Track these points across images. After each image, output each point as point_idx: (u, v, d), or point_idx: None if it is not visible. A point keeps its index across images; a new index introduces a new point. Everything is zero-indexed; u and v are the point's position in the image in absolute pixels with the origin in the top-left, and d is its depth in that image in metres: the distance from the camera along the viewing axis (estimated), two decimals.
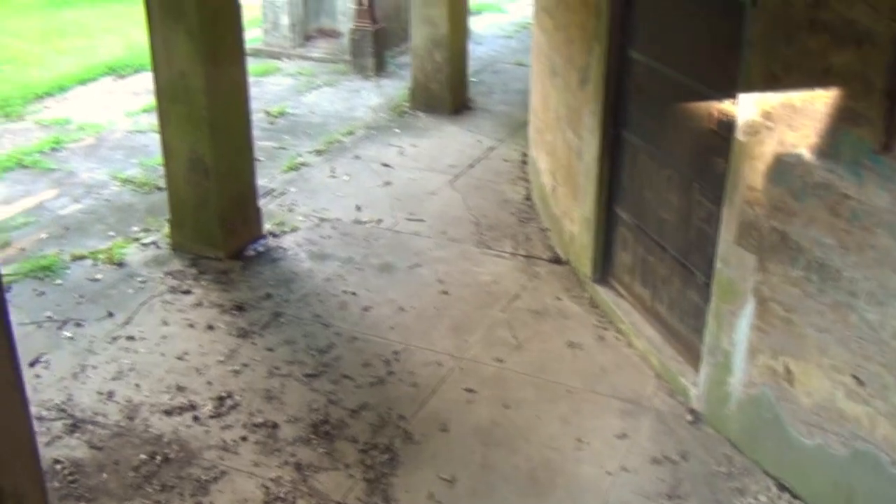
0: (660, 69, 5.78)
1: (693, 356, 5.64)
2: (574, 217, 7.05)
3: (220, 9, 6.87)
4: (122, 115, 10.89)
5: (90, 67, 12.72)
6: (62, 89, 11.88)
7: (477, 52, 13.68)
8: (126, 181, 8.90)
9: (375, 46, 12.69)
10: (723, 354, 5.21)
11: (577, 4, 6.76)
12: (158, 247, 7.52)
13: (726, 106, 5.03)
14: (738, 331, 5.06)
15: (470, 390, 5.78)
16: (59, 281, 6.99)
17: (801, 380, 4.71)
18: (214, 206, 7.21)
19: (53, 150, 9.71)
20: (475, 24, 15.31)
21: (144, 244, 7.58)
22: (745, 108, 4.73)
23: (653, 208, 6.03)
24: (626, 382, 5.86)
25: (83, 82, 12.22)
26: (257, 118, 10.57)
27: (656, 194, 5.96)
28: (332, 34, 13.86)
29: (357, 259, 7.42)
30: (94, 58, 13.24)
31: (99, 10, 16.85)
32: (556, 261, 7.40)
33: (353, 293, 6.90)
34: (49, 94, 11.65)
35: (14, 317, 6.33)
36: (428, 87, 11.16)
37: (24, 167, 9.22)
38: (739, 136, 4.79)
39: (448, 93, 11.08)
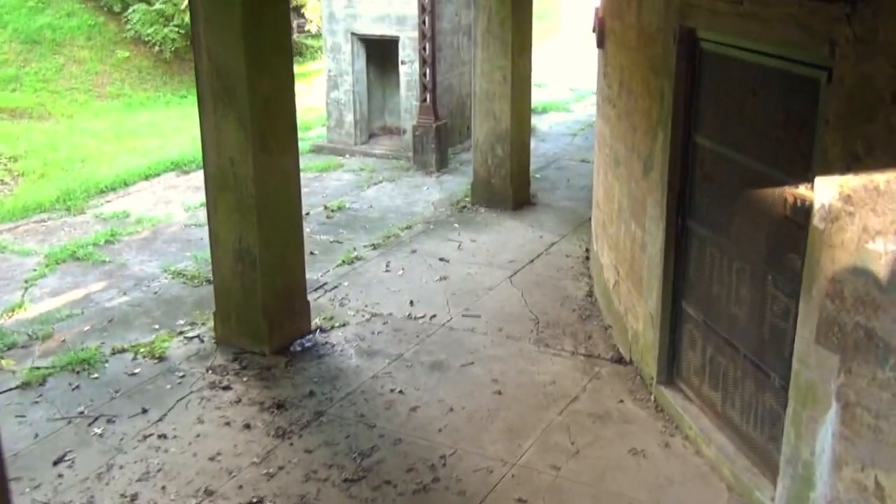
0: (727, 154, 5.46)
1: (769, 467, 5.15)
2: (638, 314, 6.62)
3: (271, 96, 6.75)
4: (180, 209, 10.94)
5: (154, 163, 12.92)
6: (125, 184, 12.05)
7: (541, 150, 13.57)
8: (177, 274, 8.78)
9: (437, 142, 12.60)
10: (803, 466, 4.70)
11: (640, 91, 6.50)
12: (202, 340, 7.29)
13: (801, 191, 4.66)
14: (820, 440, 4.56)
15: (522, 501, 5.34)
16: (95, 375, 6.78)
17: (895, 496, 4.14)
18: (260, 299, 6.97)
19: (108, 242, 9.74)
20: (540, 122, 15.28)
21: (188, 338, 7.35)
22: (823, 192, 4.35)
23: (723, 303, 5.62)
24: (694, 495, 5.37)
25: (146, 177, 12.39)
26: (315, 212, 10.50)
27: (726, 288, 5.56)
28: (395, 131, 13.87)
29: (407, 356, 7.07)
30: (162, 155, 13.45)
31: (173, 112, 17.38)
32: (619, 360, 6.98)
33: (401, 392, 6.53)
34: (112, 189, 11.81)
35: (45, 411, 6.22)
36: (489, 182, 10.96)
37: (77, 259, 9.22)
38: (817, 222, 4.40)
39: (510, 188, 10.86)
